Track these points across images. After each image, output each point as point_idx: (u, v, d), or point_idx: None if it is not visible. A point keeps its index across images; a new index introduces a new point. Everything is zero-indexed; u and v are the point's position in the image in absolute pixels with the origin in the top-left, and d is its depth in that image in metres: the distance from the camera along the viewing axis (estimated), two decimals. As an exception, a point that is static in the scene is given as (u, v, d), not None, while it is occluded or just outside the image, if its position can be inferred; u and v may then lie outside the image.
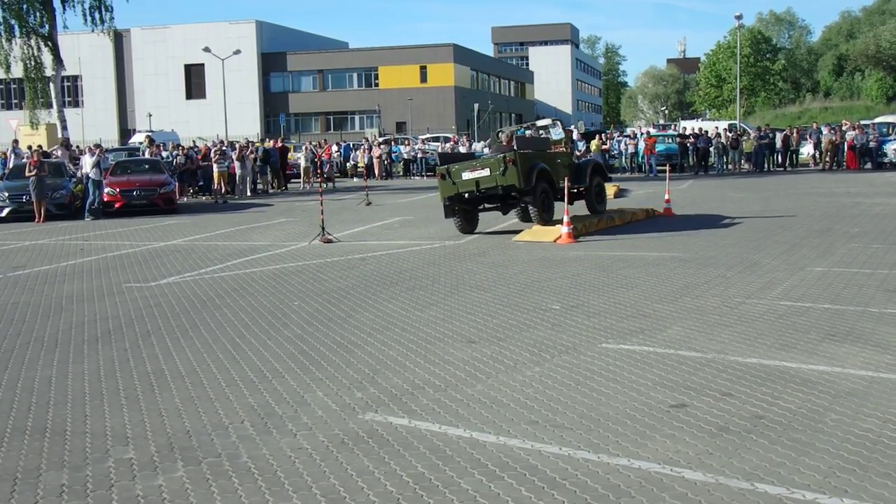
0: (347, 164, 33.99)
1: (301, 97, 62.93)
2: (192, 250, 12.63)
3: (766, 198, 18.43)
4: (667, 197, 15.60)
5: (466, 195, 12.83)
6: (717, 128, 32.93)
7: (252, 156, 25.46)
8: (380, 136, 45.48)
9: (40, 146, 22.74)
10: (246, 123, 55.95)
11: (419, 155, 33.94)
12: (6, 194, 18.89)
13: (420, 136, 41.94)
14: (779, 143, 30.16)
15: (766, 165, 29.65)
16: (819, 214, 14.61)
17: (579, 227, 12.59)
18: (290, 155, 31.77)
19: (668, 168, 18.47)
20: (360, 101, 62.22)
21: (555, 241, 12.00)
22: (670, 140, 31.33)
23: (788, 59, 79.92)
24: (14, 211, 18.66)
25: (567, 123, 16.62)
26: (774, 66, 73.10)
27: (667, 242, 11.67)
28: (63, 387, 5.57)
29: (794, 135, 30.81)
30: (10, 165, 21.65)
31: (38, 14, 27.11)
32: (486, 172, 12.57)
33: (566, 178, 12.77)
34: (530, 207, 12.87)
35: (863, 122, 34.37)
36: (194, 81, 61.20)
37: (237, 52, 45.38)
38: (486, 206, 13.55)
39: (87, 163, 19.68)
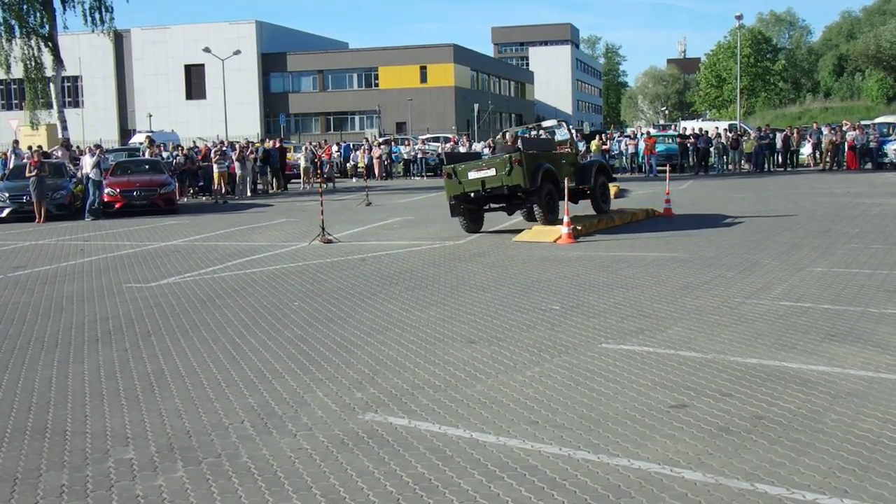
0: (347, 164, 34.00)
1: (301, 97, 62.94)
2: (192, 250, 12.63)
3: (766, 198, 18.43)
4: (667, 197, 15.60)
5: (472, 195, 12.92)
6: (717, 128, 32.95)
7: (252, 156, 25.47)
8: (380, 136, 45.49)
9: (40, 146, 22.74)
10: (246, 124, 55.97)
11: (419, 155, 33.95)
12: (6, 195, 18.89)
13: (420, 137, 41.94)
14: (779, 144, 30.17)
15: (766, 166, 29.65)
16: (819, 215, 14.61)
17: (579, 228, 12.61)
18: (289, 155, 31.80)
19: (668, 168, 18.48)
20: (360, 101, 62.23)
21: (555, 242, 12.00)
22: (670, 140, 31.33)
23: (789, 59, 79.94)
24: (14, 211, 18.67)
25: (568, 124, 16.68)
26: (775, 66, 73.13)
27: (667, 243, 11.67)
28: (63, 387, 5.57)
29: (795, 135, 30.82)
30: (11, 166, 21.65)
31: (38, 14, 27.12)
32: (491, 172, 12.66)
33: (566, 179, 12.80)
34: (535, 207, 12.96)
35: (863, 123, 34.38)
36: (194, 82, 61.21)
37: (237, 52, 45.39)
38: (492, 205, 13.65)
39: (87, 163, 19.69)
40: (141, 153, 25.69)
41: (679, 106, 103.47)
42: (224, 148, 25.13)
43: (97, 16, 27.95)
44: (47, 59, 27.71)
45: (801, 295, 7.75)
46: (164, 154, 25.02)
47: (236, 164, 24.18)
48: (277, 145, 28.77)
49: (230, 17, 63.50)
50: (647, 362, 5.65)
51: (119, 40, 54.39)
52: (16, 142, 24.44)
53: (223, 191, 23.48)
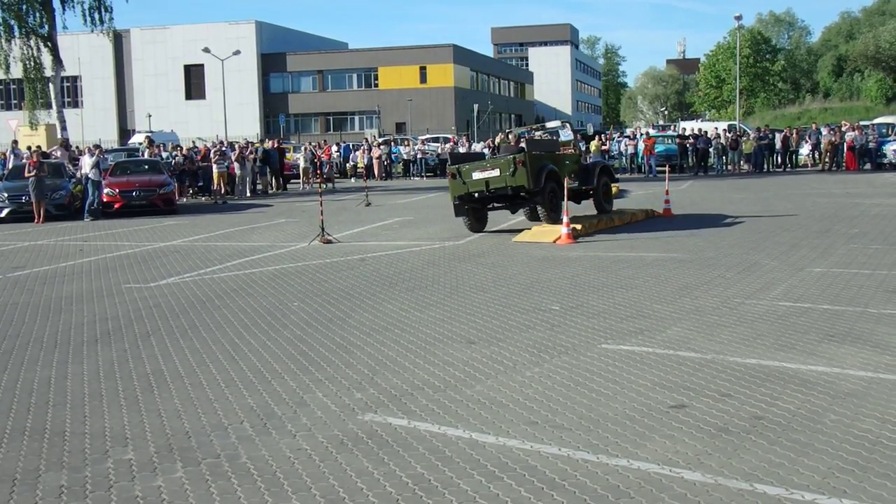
0: (347, 164, 34.00)
1: (301, 98, 62.94)
2: (192, 251, 12.62)
3: (765, 198, 18.44)
4: (666, 198, 15.61)
5: (476, 194, 13.04)
6: (716, 128, 32.95)
7: (251, 156, 25.46)
8: (379, 136, 45.49)
9: (39, 147, 22.72)
10: (246, 124, 55.98)
11: (419, 155, 33.95)
12: (6, 195, 18.87)
13: (420, 137, 41.96)
14: (778, 144, 30.19)
15: (765, 166, 29.67)
16: (818, 215, 14.62)
17: (579, 228, 12.61)
18: (288, 156, 31.79)
19: (667, 169, 18.48)
20: (359, 101, 62.23)
21: (554, 242, 12.01)
22: (670, 141, 31.34)
23: (788, 59, 80.00)
24: (13, 211, 18.65)
25: (572, 125, 16.77)
26: (774, 66, 73.18)
27: (666, 243, 11.67)
28: (62, 387, 5.57)
29: (794, 136, 30.84)
30: (10, 166, 21.63)
31: (37, 14, 27.10)
32: (496, 173, 12.78)
33: (565, 179, 12.83)
34: (539, 208, 13.10)
35: (862, 123, 34.41)
36: (194, 82, 61.21)
37: (237, 52, 45.38)
38: (496, 205, 13.79)
39: (86, 163, 19.68)
40: (140, 153, 25.68)
41: (678, 106, 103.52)
42: (223, 148, 25.13)
43: (96, 16, 27.96)
44: (46, 59, 27.69)
45: (801, 295, 7.75)
46: (164, 154, 25.02)
47: (235, 165, 24.18)
48: (276, 146, 28.79)
49: (230, 18, 63.61)
50: (647, 363, 5.66)
51: (118, 40, 54.37)
52: (15, 142, 24.42)
53: (223, 191, 23.47)
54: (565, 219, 12.22)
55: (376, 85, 62.18)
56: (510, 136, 15.66)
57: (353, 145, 35.98)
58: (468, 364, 5.77)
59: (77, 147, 28.75)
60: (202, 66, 57.55)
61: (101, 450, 4.36)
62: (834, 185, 21.56)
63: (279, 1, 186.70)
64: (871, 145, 28.39)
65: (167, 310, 8.04)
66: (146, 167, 21.28)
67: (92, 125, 56.11)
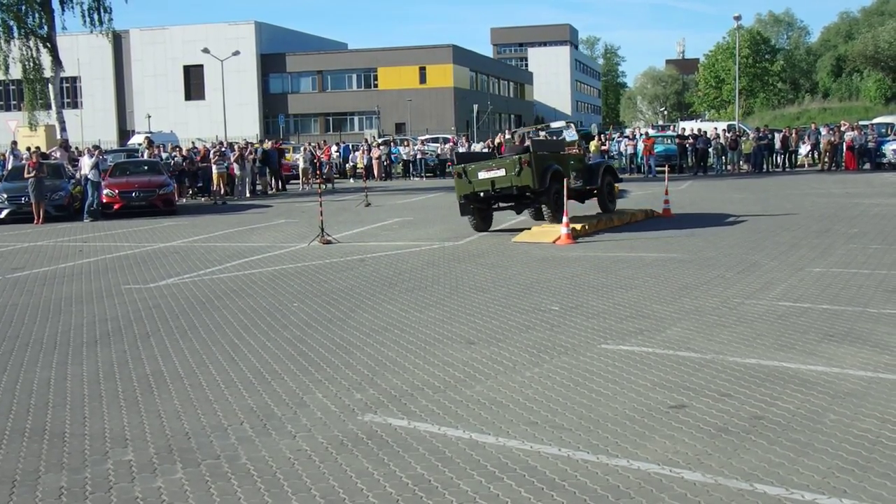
0: (347, 165, 34.00)
1: (300, 98, 62.95)
2: (191, 251, 12.62)
3: (764, 198, 18.45)
4: (666, 198, 15.61)
5: (482, 194, 13.14)
6: (715, 128, 32.96)
7: (251, 157, 25.46)
8: (379, 137, 45.49)
9: (38, 147, 22.72)
10: (245, 124, 56.00)
11: (418, 156, 33.95)
12: (5, 196, 18.86)
13: (419, 137, 41.96)
14: (778, 144, 30.20)
15: (764, 166, 29.68)
16: (818, 215, 14.63)
17: (578, 228, 12.62)
18: (288, 156, 31.79)
19: (666, 169, 18.49)
20: (359, 102, 62.24)
21: (554, 242, 12.01)
22: (669, 141, 31.35)
23: (787, 59, 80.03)
24: (13, 212, 18.64)
25: (576, 125, 16.92)
26: (773, 66, 73.20)
27: (666, 243, 11.68)
28: (62, 389, 5.56)
29: (793, 135, 30.85)
30: (9, 167, 21.62)
31: (36, 15, 27.09)
32: (501, 172, 12.87)
33: (565, 180, 12.86)
34: (544, 207, 13.21)
35: (861, 123, 34.42)
36: (193, 82, 61.21)
37: (236, 53, 45.37)
38: (501, 204, 13.90)
39: (85, 164, 19.67)
40: (140, 154, 25.68)
41: (678, 106, 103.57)
42: (223, 149, 25.12)
43: (96, 16, 27.93)
44: (46, 59, 27.68)
45: (800, 295, 7.75)
46: (164, 155, 25.01)
47: (235, 165, 24.17)
48: (275, 146, 28.78)
49: (229, 18, 63.74)
50: (647, 363, 5.66)
51: (118, 41, 54.34)
52: (14, 143, 24.41)
53: (222, 192, 23.47)
54: (565, 219, 12.23)
55: (376, 85, 62.19)
56: (515, 136, 15.77)
57: (352, 146, 35.98)
58: (468, 364, 5.77)
59: (76, 148, 28.73)
60: (202, 66, 57.56)
61: (100, 451, 4.36)
62: (833, 185, 21.57)
63: (278, 1, 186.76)
64: (871, 145, 28.41)
65: (167, 311, 8.04)
66: (146, 168, 21.28)
67: (91, 126, 56.12)
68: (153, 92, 61.00)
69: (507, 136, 30.11)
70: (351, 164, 33.81)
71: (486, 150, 27.38)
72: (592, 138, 28.96)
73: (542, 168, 12.79)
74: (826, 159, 29.11)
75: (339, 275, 9.84)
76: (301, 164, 28.69)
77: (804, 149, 31.39)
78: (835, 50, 79.49)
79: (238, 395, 5.24)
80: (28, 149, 22.41)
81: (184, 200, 23.28)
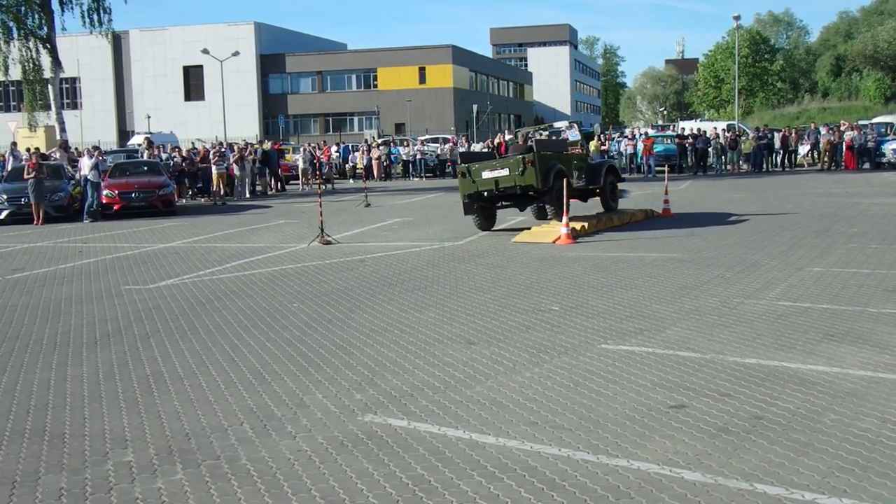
0: (346, 165, 34.01)
1: (300, 98, 62.95)
2: (191, 252, 12.62)
3: (764, 198, 18.45)
4: (665, 197, 15.62)
5: (486, 193, 13.25)
6: (715, 128, 32.97)
7: (251, 157, 25.46)
8: (378, 137, 45.49)
9: (38, 148, 22.71)
10: (245, 125, 56.00)
11: (418, 156, 33.95)
12: (5, 197, 18.85)
13: (419, 138, 41.96)
14: (777, 144, 30.20)
15: (764, 166, 29.68)
16: (818, 214, 14.63)
17: (578, 228, 12.63)
18: (287, 157, 31.79)
19: (666, 169, 18.49)
20: (358, 102, 62.25)
21: (553, 242, 12.01)
22: (669, 141, 31.36)
23: (787, 59, 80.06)
24: (13, 213, 18.63)
25: (580, 125, 17.05)
26: (773, 66, 73.24)
27: (665, 243, 11.68)
28: (62, 390, 5.56)
29: (793, 135, 30.85)
30: (9, 168, 21.62)
31: (36, 16, 27.09)
32: (505, 172, 12.98)
33: (565, 179, 12.89)
34: (548, 206, 13.34)
35: (861, 123, 34.42)
36: (193, 83, 61.21)
37: (236, 53, 45.38)
38: (504, 203, 14.04)
39: (85, 165, 19.67)
40: (139, 155, 25.67)
41: (677, 106, 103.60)
42: (223, 149, 25.12)
43: (95, 17, 27.93)
44: (45, 60, 27.68)
45: (800, 295, 7.75)
46: (163, 155, 25.01)
47: (234, 166, 24.17)
48: (274, 147, 28.77)
49: (228, 19, 63.81)
50: (647, 363, 5.66)
51: (117, 42, 54.36)
52: (14, 144, 24.41)
53: (222, 192, 23.47)
54: (564, 219, 12.24)
55: (375, 86, 62.20)
56: (519, 136, 15.88)
57: (352, 146, 35.99)
58: (468, 365, 5.76)
59: (76, 149, 28.74)
60: (201, 67, 57.58)
61: (100, 452, 4.35)
62: (833, 185, 21.57)
63: (278, 2, 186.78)
64: (870, 145, 28.41)
65: (167, 311, 8.04)
66: (145, 169, 21.27)
67: (91, 126, 56.13)
68: (153, 92, 61.00)
69: (508, 137, 30.11)
70: (350, 164, 33.81)
71: (485, 151, 27.41)
72: (592, 138, 28.97)
73: (545, 167, 12.89)
74: (826, 159, 29.12)
75: (339, 275, 9.84)
76: (301, 165, 28.69)
77: (804, 148, 31.39)
78: (834, 49, 79.53)
79: (238, 396, 5.24)
80: (28, 150, 22.40)
81: (183, 201, 23.28)
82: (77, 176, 20.57)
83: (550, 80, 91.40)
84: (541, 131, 15.98)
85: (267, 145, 28.60)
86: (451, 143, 35.71)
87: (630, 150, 31.00)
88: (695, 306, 7.41)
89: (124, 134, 58.09)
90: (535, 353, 6.00)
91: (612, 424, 4.48)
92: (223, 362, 6.07)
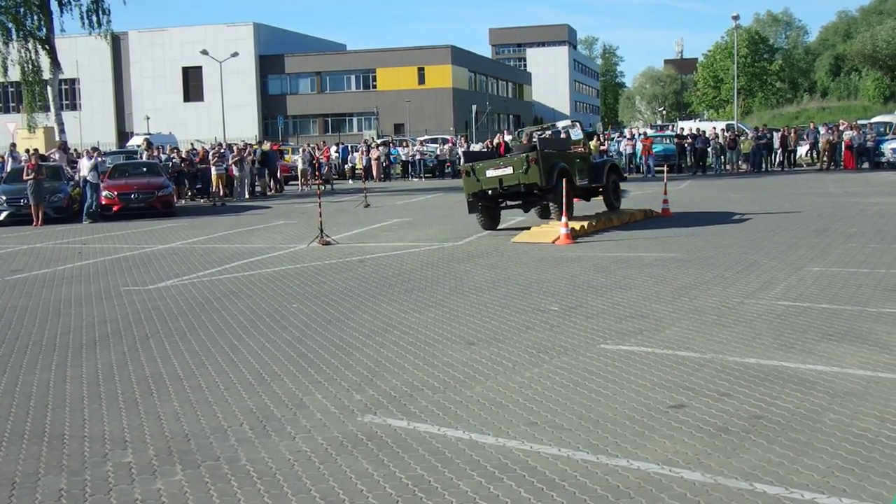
0: (346, 166, 34.00)
1: (299, 99, 62.95)
2: (190, 253, 12.62)
3: (763, 198, 18.46)
4: (665, 197, 15.62)
5: (490, 192, 13.31)
6: (714, 128, 32.98)
7: (250, 158, 25.46)
8: (378, 137, 45.51)
9: (37, 149, 22.70)
10: (244, 126, 55.97)
11: (417, 157, 33.94)
12: (4, 198, 18.84)
13: (418, 138, 41.96)
14: (776, 144, 30.21)
15: (763, 166, 29.69)
16: (817, 214, 14.64)
17: (577, 228, 12.64)
18: (286, 157, 31.78)
19: (665, 169, 18.50)
20: (358, 102, 62.25)
21: (553, 242, 12.01)
22: (668, 141, 31.37)
23: (786, 59, 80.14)
24: (12, 214, 18.63)
25: (582, 125, 17.10)
26: (772, 66, 73.29)
27: (665, 243, 11.68)
28: (61, 391, 5.56)
29: (792, 135, 30.86)
30: (8, 169, 21.61)
31: (35, 17, 27.07)
32: (509, 171, 13.06)
33: (565, 179, 12.91)
34: (551, 205, 13.36)
35: (860, 122, 34.44)
36: (192, 84, 61.20)
37: (235, 54, 45.37)
38: (509, 203, 14.08)
39: (84, 166, 19.66)
40: (139, 156, 25.66)
41: (677, 106, 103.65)
42: (222, 150, 25.12)
43: (94, 18, 27.90)
44: (44, 61, 27.66)
45: (799, 294, 7.76)
46: (162, 156, 25.00)
47: (234, 167, 24.16)
48: (272, 148, 28.76)
49: (227, 20, 63.85)
50: (646, 363, 5.66)
51: (116, 43, 54.38)
52: (13, 145, 24.40)
53: (221, 193, 23.46)
54: (564, 219, 12.25)
55: (374, 86, 62.20)
56: (522, 135, 15.97)
57: (351, 147, 35.99)
58: (467, 365, 5.77)
59: (75, 150, 28.72)
60: (200, 68, 57.57)
61: (100, 453, 4.35)
62: (832, 184, 21.58)
63: (277, 2, 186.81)
64: (869, 144, 28.42)
65: (166, 312, 8.04)
66: (144, 170, 21.26)
67: (90, 128, 56.12)
68: (152, 93, 60.99)
69: (508, 137, 30.12)
70: (350, 165, 33.81)
71: (484, 151, 27.42)
72: (592, 138, 28.97)
73: (549, 166, 12.97)
74: (825, 158, 29.13)
75: (339, 276, 9.84)
76: (300, 166, 28.68)
77: (803, 148, 31.40)
78: (833, 49, 79.59)
79: (237, 397, 5.24)
80: (27, 151, 22.38)
81: (183, 202, 23.28)
82: (76, 177, 20.56)
83: (549, 80, 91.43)
84: (544, 130, 16.01)
85: (266, 146, 28.59)
86: (450, 144, 35.72)
87: (629, 150, 31.01)
88: (694, 306, 7.41)
89: (123, 135, 58.05)
90: (534, 354, 6.00)
91: (611, 424, 4.48)
92: (223, 363, 6.07)
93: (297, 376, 5.65)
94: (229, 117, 47.39)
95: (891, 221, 13.23)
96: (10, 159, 22.87)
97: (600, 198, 14.89)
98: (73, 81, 60.22)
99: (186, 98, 61.40)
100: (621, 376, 5.37)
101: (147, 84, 61.37)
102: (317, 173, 27.31)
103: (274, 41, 62.39)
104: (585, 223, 13.16)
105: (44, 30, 27.19)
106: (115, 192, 19.39)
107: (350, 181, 31.89)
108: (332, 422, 4.69)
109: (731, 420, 4.49)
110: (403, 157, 34.34)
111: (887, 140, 28.52)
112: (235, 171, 24.27)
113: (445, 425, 4.57)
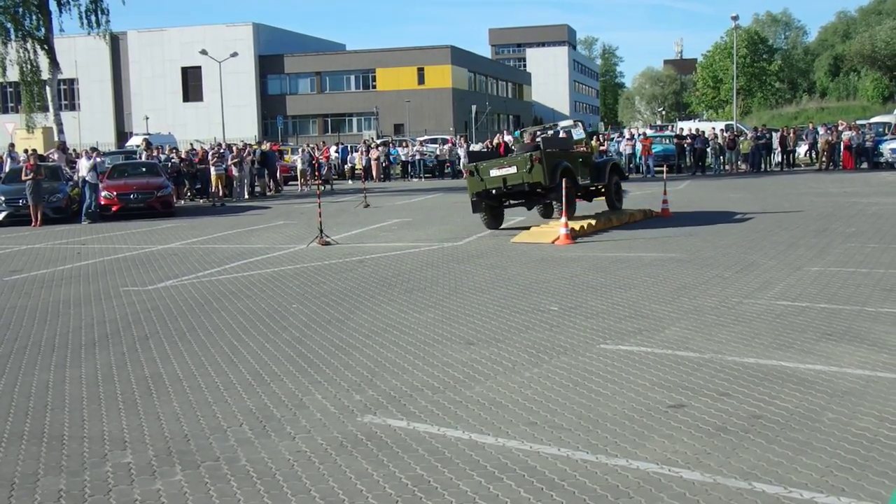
0: (345, 166, 34.00)
1: (299, 99, 62.94)
2: (190, 253, 12.62)
3: (763, 198, 18.47)
4: (664, 198, 15.63)
5: (494, 191, 13.39)
6: (713, 128, 32.99)
7: (249, 158, 25.46)
8: (377, 137, 45.50)
9: (35, 150, 22.69)
10: (244, 126, 55.96)
11: (417, 157, 33.94)
12: (2, 198, 18.83)
13: (418, 138, 41.96)
14: (776, 144, 30.22)
15: (762, 166, 29.70)
16: (816, 214, 14.65)
17: (577, 229, 12.65)
18: (286, 157, 31.78)
19: (665, 169, 18.51)
20: (357, 103, 62.24)
21: (553, 243, 12.02)
22: (667, 141, 31.37)
23: (785, 59, 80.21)
24: (11, 215, 18.61)
25: (584, 124, 17.23)
26: (771, 66, 73.33)
27: (664, 243, 11.69)
28: (60, 391, 5.56)
29: (791, 135, 30.88)
30: (7, 169, 21.60)
31: (34, 17, 27.05)
32: (513, 170, 13.17)
33: (565, 179, 12.94)
34: (554, 203, 13.43)
35: (859, 122, 34.46)
36: (191, 84, 61.18)
37: (234, 54, 45.36)
38: (512, 202, 14.18)
39: (83, 166, 19.65)
40: (138, 156, 25.65)
41: (676, 106, 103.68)
42: (221, 150, 25.11)
43: (93, 18, 27.88)
44: (43, 61, 27.64)
45: (798, 294, 7.76)
46: (162, 157, 25.00)
47: (233, 167, 24.16)
48: (272, 148, 28.77)
49: (227, 20, 63.84)
50: (645, 363, 5.66)
51: (115, 43, 54.37)
52: (12, 145, 24.39)
53: (220, 193, 23.46)
54: (564, 218, 12.27)
55: (374, 86, 62.19)
56: (525, 135, 16.06)
57: (351, 147, 35.99)
58: (467, 365, 5.77)
59: (74, 150, 28.71)
60: (199, 68, 57.54)
61: (99, 453, 4.35)
62: (831, 185, 21.60)
63: (276, 2, 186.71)
64: (868, 144, 28.44)
65: (165, 313, 8.04)
66: (144, 170, 21.25)
67: (89, 128, 56.08)
68: (151, 93, 60.97)
69: (507, 137, 30.14)
70: (349, 165, 33.81)
71: (484, 151, 27.44)
72: (592, 138, 28.98)
73: (552, 165, 13.06)
74: (824, 159, 29.15)
75: (338, 276, 9.84)
76: (299, 166, 28.68)
77: (802, 148, 31.41)
78: (832, 49, 79.63)
79: (237, 397, 5.24)
80: (25, 151, 22.37)
81: (182, 202, 23.27)
82: (75, 177, 20.55)
83: (549, 80, 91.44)
84: (546, 130, 16.09)
85: (266, 146, 28.59)
86: (449, 144, 35.72)
87: (629, 150, 31.02)
88: (693, 306, 7.42)
89: (122, 135, 58.02)
90: (534, 354, 6.01)
91: (611, 424, 4.49)
92: (222, 363, 6.07)
93: (296, 376, 5.65)
94: (229, 117, 47.39)
95: (889, 221, 13.24)
96: (8, 159, 22.85)
97: (601, 198, 14.94)
98: (71, 81, 60.19)
99: (186, 98, 61.38)
100: (621, 376, 5.37)
101: (146, 84, 61.35)
102: (316, 173, 27.31)
103: (273, 41, 62.37)
104: (585, 223, 13.17)
105: (42, 30, 27.17)
106: (115, 193, 19.38)
107: (350, 181, 31.89)
108: (332, 422, 4.69)
109: (730, 420, 4.49)
110: (403, 158, 34.34)
111: (886, 140, 28.54)
112: (235, 172, 24.26)
113: (445, 425, 4.57)
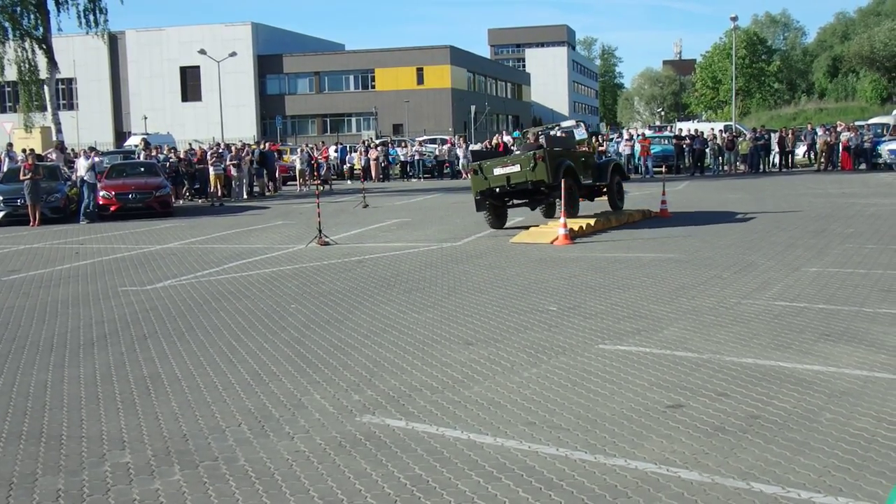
0: (344, 166, 33.99)
1: (297, 99, 62.92)
2: (188, 253, 12.61)
3: (761, 198, 18.49)
4: (663, 198, 15.65)
5: (497, 189, 13.42)
6: (712, 129, 33.01)
7: (248, 158, 25.45)
8: (376, 138, 45.49)
9: (34, 149, 22.67)
10: (242, 126, 55.94)
11: (416, 157, 33.94)
12: (0, 198, 18.82)
13: (417, 138, 41.96)
14: (774, 145, 30.25)
15: (761, 166, 29.73)
16: (814, 215, 14.67)
17: (576, 229, 12.66)
18: (285, 157, 31.77)
19: (664, 169, 18.54)
20: (356, 103, 62.22)
21: (551, 243, 12.03)
22: (666, 142, 31.39)
23: (784, 60, 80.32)
24: (9, 215, 18.59)
25: (586, 124, 17.40)
26: (770, 67, 73.44)
27: (663, 243, 11.70)
28: (59, 391, 5.56)
29: (790, 136, 30.91)
30: (5, 169, 21.57)
31: (32, 16, 27.03)
32: (516, 168, 13.24)
33: (563, 179, 12.96)
34: (557, 202, 13.52)
35: (857, 123, 34.51)
36: (190, 84, 61.13)
37: (233, 54, 45.32)
38: (515, 201, 14.25)
39: (81, 166, 19.63)
40: (136, 156, 25.63)
41: (675, 107, 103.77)
42: (220, 150, 25.10)
43: (91, 18, 27.87)
44: (41, 61, 27.62)
45: (797, 295, 7.78)
46: (160, 156, 24.98)
47: (232, 167, 24.15)
48: (271, 148, 28.75)
49: (225, 19, 63.77)
50: (644, 363, 5.67)
51: (113, 42, 54.37)
52: (10, 145, 24.40)
53: (219, 193, 23.44)
54: (563, 219, 12.28)
55: (373, 86, 62.18)
56: (528, 135, 16.16)
57: (350, 147, 35.98)
58: (466, 365, 5.77)
59: (72, 149, 28.69)
60: (198, 67, 57.49)
61: (98, 453, 4.35)
62: (829, 185, 21.62)
63: (275, 2, 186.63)
64: (867, 145, 28.46)
65: (164, 313, 8.04)
66: (142, 170, 21.24)
67: (87, 127, 56.01)
68: (149, 93, 60.91)
69: (506, 137, 30.17)
70: (348, 165, 33.79)
71: (483, 151, 27.45)
72: (594, 137, 28.99)
73: (555, 163, 13.14)
74: (822, 159, 29.18)
75: (337, 276, 9.84)
76: (298, 166, 28.67)
77: (800, 149, 31.44)
78: (831, 50, 79.74)
79: (236, 397, 5.24)
80: (24, 151, 22.36)
81: (181, 202, 23.26)
82: (73, 177, 20.53)
83: (548, 80, 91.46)
84: (547, 129, 16.20)
85: (265, 146, 28.57)
86: (448, 144, 35.72)
87: (628, 150, 31.03)
88: (692, 306, 7.43)
89: (121, 135, 57.96)
90: (532, 354, 6.01)
91: (609, 424, 4.49)
92: (221, 363, 6.07)
93: (295, 376, 5.65)
94: (227, 117, 47.36)
95: (887, 222, 13.26)
96: (6, 159, 22.83)
97: (602, 198, 14.99)
98: (70, 81, 60.10)
99: (184, 98, 61.33)
100: (619, 376, 5.38)
101: (145, 84, 61.30)
102: (315, 173, 27.30)
103: (272, 41, 62.34)
104: (584, 223, 13.18)
105: (41, 29, 27.15)
106: (113, 192, 19.36)
107: (349, 181, 31.89)
108: (331, 422, 4.69)
109: (729, 420, 4.50)
110: (402, 158, 34.33)
111: (884, 141, 28.56)
112: (233, 172, 24.25)
113: (444, 425, 4.57)
